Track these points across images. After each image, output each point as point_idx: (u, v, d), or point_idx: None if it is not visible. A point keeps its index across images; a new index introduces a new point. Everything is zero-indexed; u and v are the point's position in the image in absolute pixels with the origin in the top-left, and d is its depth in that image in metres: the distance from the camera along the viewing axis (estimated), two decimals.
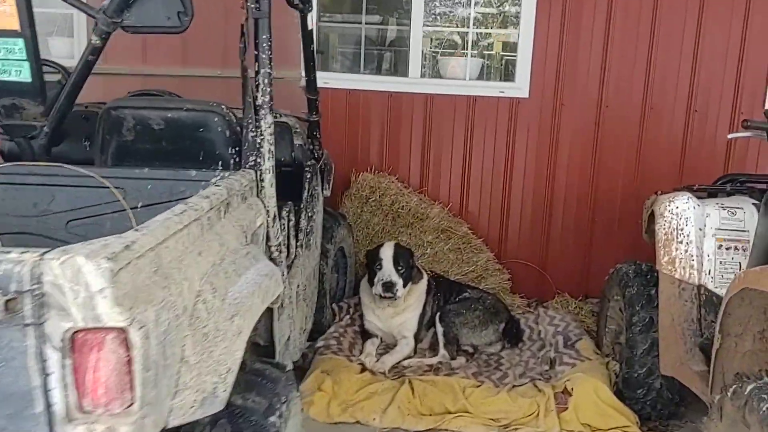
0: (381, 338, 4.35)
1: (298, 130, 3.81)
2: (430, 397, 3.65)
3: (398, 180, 5.16)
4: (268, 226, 2.58)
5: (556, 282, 5.23)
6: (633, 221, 5.09)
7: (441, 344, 4.25)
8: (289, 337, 3.03)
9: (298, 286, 3.24)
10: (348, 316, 4.48)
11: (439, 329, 4.28)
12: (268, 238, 2.62)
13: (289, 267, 3.17)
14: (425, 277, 4.39)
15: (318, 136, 3.96)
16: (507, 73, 5.84)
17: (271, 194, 2.57)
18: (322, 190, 4.02)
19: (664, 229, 3.41)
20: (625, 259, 4.96)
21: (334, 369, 3.78)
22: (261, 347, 2.57)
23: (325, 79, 5.11)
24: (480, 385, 3.77)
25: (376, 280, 4.11)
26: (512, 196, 5.24)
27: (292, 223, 3.09)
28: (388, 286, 4.05)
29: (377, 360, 4.06)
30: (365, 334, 4.33)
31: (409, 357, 4.21)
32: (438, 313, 4.35)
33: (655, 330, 3.52)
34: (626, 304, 3.72)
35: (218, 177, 2.47)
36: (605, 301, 4.20)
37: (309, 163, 3.67)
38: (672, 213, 3.40)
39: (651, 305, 3.57)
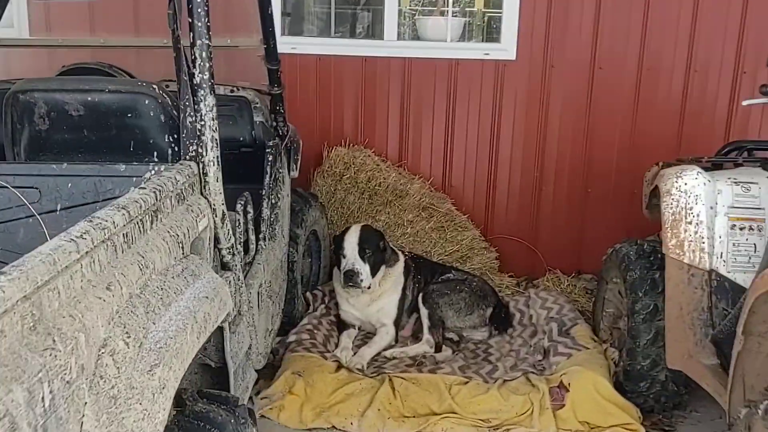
0: (359, 328, 4.00)
1: (258, 105, 3.39)
2: (413, 397, 3.31)
3: (375, 153, 4.74)
4: (216, 228, 2.18)
5: (546, 258, 4.89)
6: (628, 192, 4.75)
7: (425, 328, 3.91)
8: (250, 345, 2.66)
9: (260, 285, 2.86)
10: (322, 306, 4.11)
11: (423, 311, 3.94)
12: (217, 241, 2.23)
13: (249, 265, 2.79)
14: (401, 258, 4.02)
15: (282, 110, 3.53)
16: (490, 31, 5.41)
17: (218, 190, 2.17)
18: (289, 171, 3.61)
19: (672, 208, 3.06)
20: (620, 233, 4.68)
21: (306, 369, 3.42)
22: (212, 369, 2.19)
23: (292, 45, 4.67)
24: (468, 382, 3.42)
25: (340, 268, 3.75)
26: (499, 168, 4.85)
27: (251, 215, 2.69)
28: (350, 276, 3.68)
29: (354, 353, 3.71)
30: (341, 325, 3.97)
31: (390, 347, 3.87)
32: (420, 295, 4.00)
33: (660, 318, 3.20)
34: (627, 289, 3.38)
35: (152, 171, 2.06)
36: (602, 283, 3.86)
37: (272, 142, 3.25)
38: (680, 190, 3.04)
39: (655, 291, 3.25)
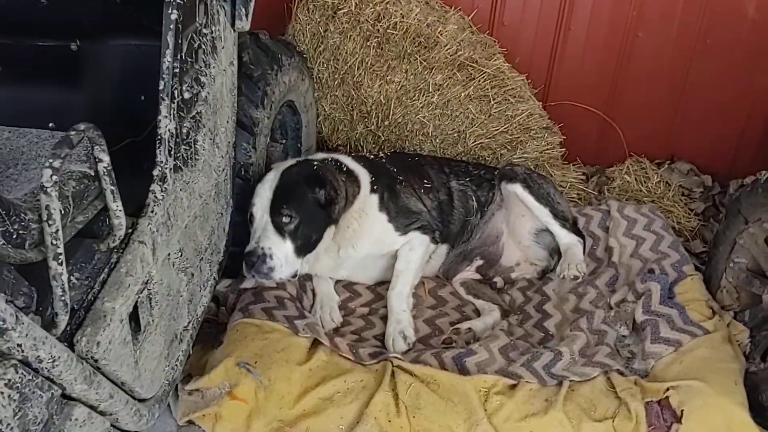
0: None
1: None
2: (427, 413, 2.08)
3: None
4: None
5: (628, 138, 3.44)
6: (764, 49, 3.16)
7: (556, 228, 2.64)
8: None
9: (148, 281, 1.48)
10: None
11: (538, 207, 2.61)
12: None
13: (120, 251, 1.40)
14: (363, 176, 2.51)
15: None
16: None
17: None
18: (233, 21, 2.05)
19: None
20: (741, 109, 3.30)
21: (262, 354, 2.15)
22: None
23: None
24: (516, 385, 2.15)
25: None
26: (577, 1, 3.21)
27: (105, 165, 1.25)
28: (251, 263, 2.24)
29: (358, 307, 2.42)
30: None
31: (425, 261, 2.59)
32: (516, 184, 2.62)
33: None
34: None
35: None
36: (736, 218, 2.46)
37: None
38: None
39: None
